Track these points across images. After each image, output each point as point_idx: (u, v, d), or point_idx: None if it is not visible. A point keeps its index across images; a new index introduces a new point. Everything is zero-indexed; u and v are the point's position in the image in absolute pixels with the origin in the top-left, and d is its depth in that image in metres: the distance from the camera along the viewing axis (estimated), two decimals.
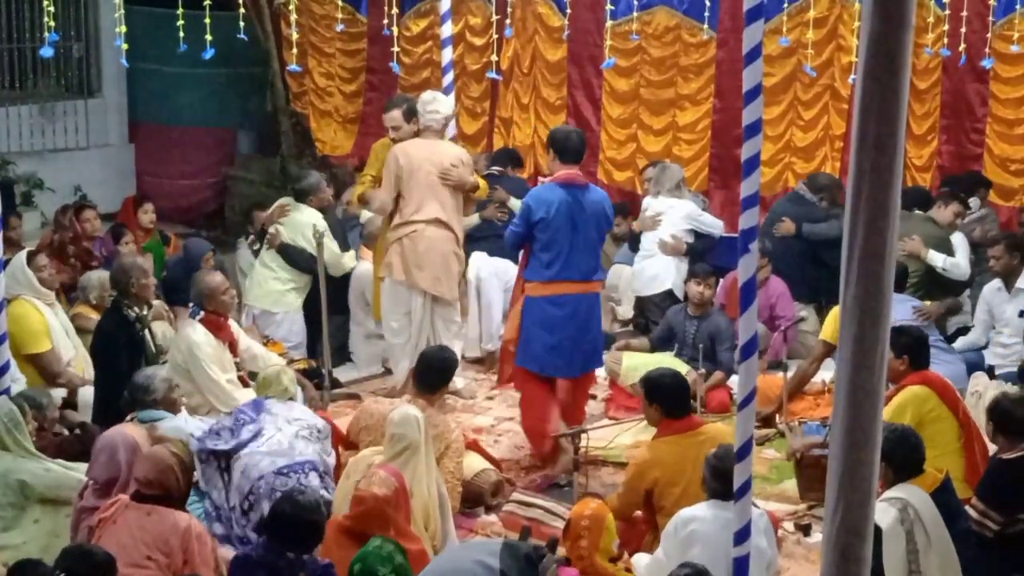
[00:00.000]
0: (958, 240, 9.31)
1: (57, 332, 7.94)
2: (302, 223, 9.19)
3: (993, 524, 5.99)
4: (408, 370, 8.36)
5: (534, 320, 7.57)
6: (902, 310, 8.27)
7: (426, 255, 8.43)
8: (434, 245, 8.45)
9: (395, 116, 8.72)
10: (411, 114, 8.67)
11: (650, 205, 9.86)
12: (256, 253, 9.69)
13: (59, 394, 7.60)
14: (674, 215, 9.73)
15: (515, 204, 10.28)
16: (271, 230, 9.24)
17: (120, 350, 7.39)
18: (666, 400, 6.53)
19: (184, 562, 5.45)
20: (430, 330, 8.57)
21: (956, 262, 9.17)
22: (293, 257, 9.18)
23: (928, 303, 8.68)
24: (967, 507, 6.01)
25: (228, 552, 6.01)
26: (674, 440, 6.40)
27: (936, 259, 9.12)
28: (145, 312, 7.71)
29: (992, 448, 6.59)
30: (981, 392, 7.76)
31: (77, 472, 6.25)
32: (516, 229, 7.71)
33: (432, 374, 7.16)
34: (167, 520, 5.50)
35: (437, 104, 8.69)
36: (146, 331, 7.61)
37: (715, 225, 9.95)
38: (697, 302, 8.90)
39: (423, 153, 8.51)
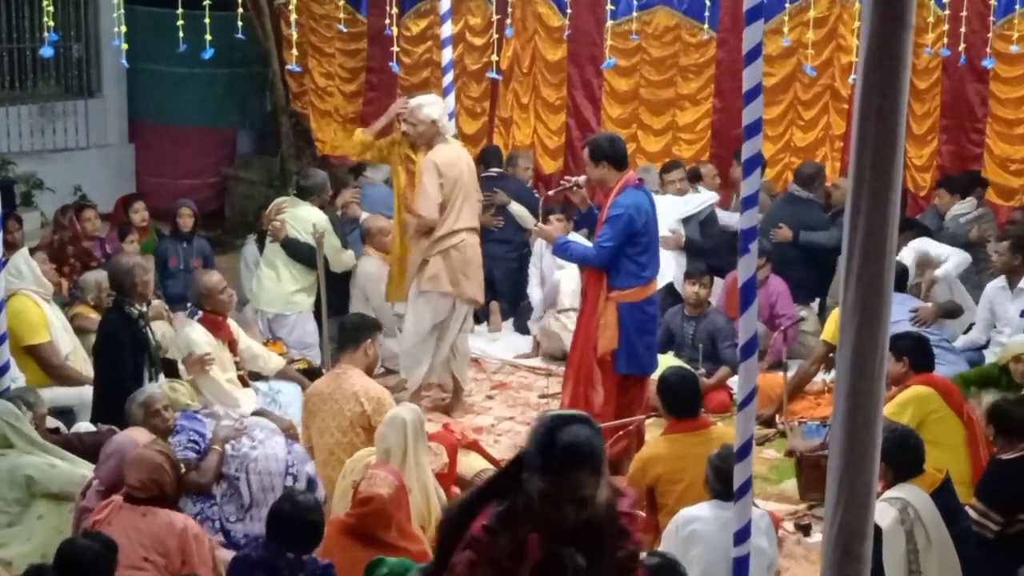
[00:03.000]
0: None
1: (56, 327, 7.92)
2: (304, 219, 9.13)
3: (993, 525, 5.99)
4: (424, 375, 8.45)
5: (637, 326, 7.45)
6: (902, 310, 8.27)
7: (472, 263, 8.40)
8: (477, 253, 8.47)
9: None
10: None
11: None
12: (261, 250, 9.67)
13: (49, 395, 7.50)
14: (665, 211, 9.76)
15: (516, 209, 10.27)
16: (275, 224, 9.16)
17: (124, 348, 7.35)
18: (669, 398, 6.54)
19: (182, 563, 5.44)
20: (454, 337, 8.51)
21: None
22: (296, 250, 9.10)
23: (925, 305, 8.65)
24: (967, 507, 6.01)
25: (226, 554, 5.99)
26: (679, 438, 6.40)
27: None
28: (146, 309, 7.70)
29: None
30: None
31: (83, 468, 6.23)
32: (613, 244, 7.29)
33: (347, 335, 7.17)
34: (163, 521, 5.49)
35: (442, 104, 8.60)
36: (148, 328, 7.60)
37: (702, 199, 9.93)
38: (693, 302, 8.90)
39: (460, 161, 8.41)
